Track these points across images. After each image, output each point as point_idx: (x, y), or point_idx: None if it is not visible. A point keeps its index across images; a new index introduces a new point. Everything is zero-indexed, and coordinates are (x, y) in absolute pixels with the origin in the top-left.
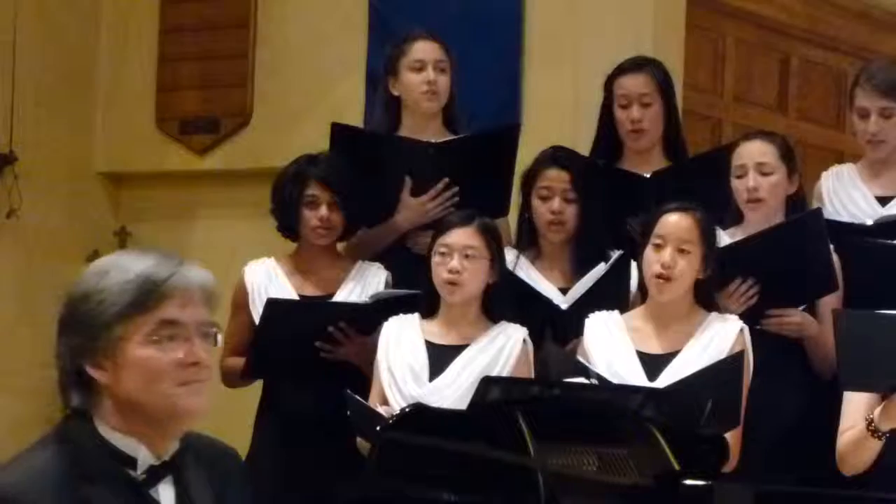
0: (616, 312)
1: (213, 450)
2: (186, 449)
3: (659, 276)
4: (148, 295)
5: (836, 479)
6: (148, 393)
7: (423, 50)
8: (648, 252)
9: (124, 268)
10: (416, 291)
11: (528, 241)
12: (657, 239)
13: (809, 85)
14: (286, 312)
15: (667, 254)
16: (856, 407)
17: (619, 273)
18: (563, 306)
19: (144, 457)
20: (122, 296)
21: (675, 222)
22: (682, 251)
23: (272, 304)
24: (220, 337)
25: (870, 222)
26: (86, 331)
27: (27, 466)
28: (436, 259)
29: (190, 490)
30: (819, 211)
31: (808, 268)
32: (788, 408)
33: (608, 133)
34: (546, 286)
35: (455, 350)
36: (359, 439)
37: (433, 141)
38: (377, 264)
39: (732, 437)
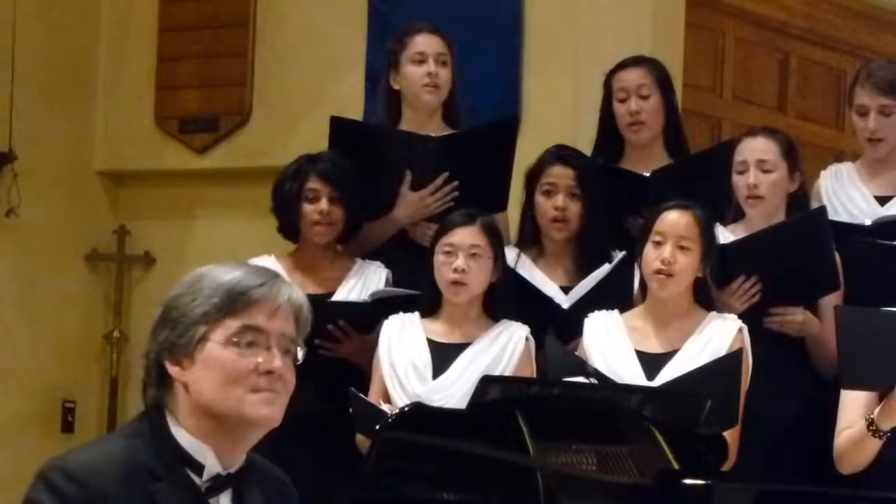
0: (615, 312)
1: (273, 475)
2: (250, 468)
3: (659, 272)
4: (236, 298)
5: (834, 477)
6: (220, 395)
7: (425, 43)
8: (648, 249)
9: (219, 273)
10: (416, 292)
11: (531, 239)
12: (657, 236)
13: (809, 84)
14: None
15: (667, 250)
16: (854, 406)
17: (622, 273)
18: (565, 305)
19: (212, 464)
20: (212, 297)
21: (674, 219)
22: (681, 248)
23: None
24: (301, 354)
25: (868, 222)
26: (173, 327)
27: (99, 452)
28: (440, 258)
29: None
30: (823, 209)
31: (811, 266)
32: (788, 407)
33: (609, 131)
34: (548, 285)
35: (458, 348)
36: (358, 438)
37: (433, 135)
38: (377, 263)
39: (731, 436)
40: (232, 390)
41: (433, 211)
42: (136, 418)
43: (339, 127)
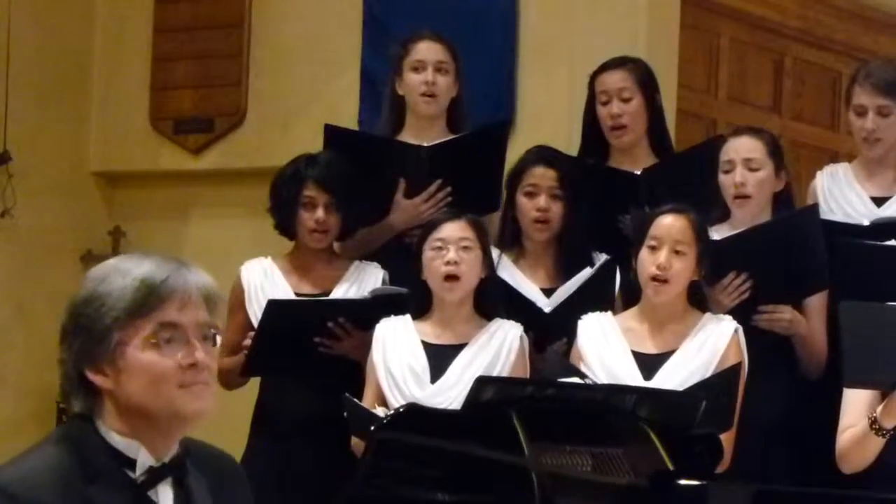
0: (609, 313)
1: (212, 456)
2: (186, 454)
3: (655, 279)
4: (146, 298)
5: (823, 477)
6: (150, 396)
7: (425, 50)
8: (644, 254)
9: (123, 272)
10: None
11: (512, 240)
12: (652, 241)
13: (803, 85)
14: (287, 312)
15: (662, 255)
16: (856, 404)
17: (604, 277)
18: (546, 309)
19: (144, 458)
20: (121, 300)
21: (669, 224)
22: (677, 252)
23: (273, 305)
24: (219, 338)
25: (866, 222)
26: (87, 336)
27: (30, 464)
28: (430, 254)
29: (190, 493)
30: (815, 207)
31: (800, 264)
32: (774, 407)
33: (593, 133)
34: (528, 286)
35: (453, 349)
36: (354, 441)
37: (425, 144)
38: (374, 263)
39: (726, 437)
40: (160, 391)
41: (427, 218)
42: (64, 424)
43: (332, 135)
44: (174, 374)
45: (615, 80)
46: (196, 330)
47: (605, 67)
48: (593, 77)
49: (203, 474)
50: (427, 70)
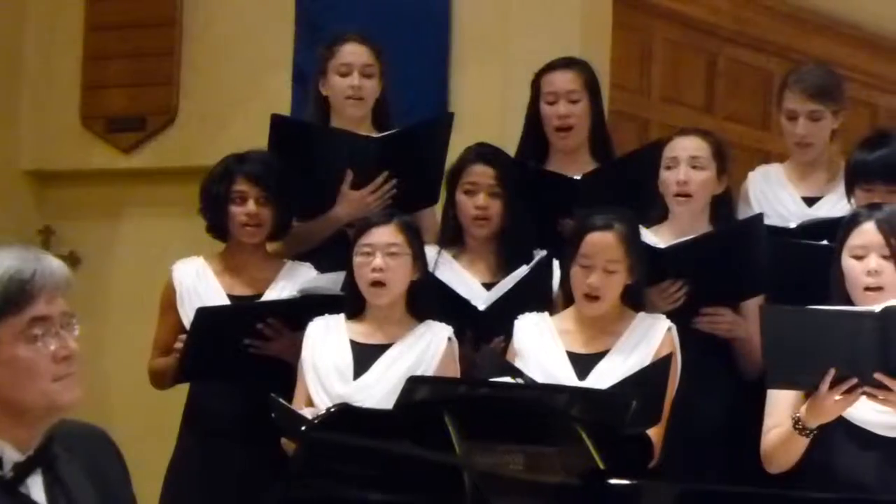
0: (545, 314)
1: (82, 435)
2: (52, 439)
3: (587, 296)
4: (17, 295)
5: (760, 477)
6: (24, 391)
7: (351, 53)
8: (576, 271)
9: None
10: (343, 294)
11: (453, 237)
12: (584, 259)
13: (737, 85)
14: (217, 318)
15: (594, 276)
16: (780, 405)
17: (540, 275)
18: (481, 307)
19: (9, 455)
20: None
21: (598, 243)
22: (608, 271)
23: (202, 313)
24: (77, 326)
25: (793, 224)
26: None
27: None
28: (358, 260)
29: (63, 479)
30: (761, 217)
31: (742, 270)
32: (713, 408)
33: (535, 132)
34: (469, 281)
35: (380, 349)
36: (284, 441)
37: (373, 135)
38: (307, 264)
39: (655, 433)
40: (36, 384)
41: (373, 209)
42: None
43: (279, 124)
44: (48, 366)
45: (564, 80)
46: (60, 320)
47: (553, 67)
48: (538, 76)
49: (74, 455)
50: (353, 74)
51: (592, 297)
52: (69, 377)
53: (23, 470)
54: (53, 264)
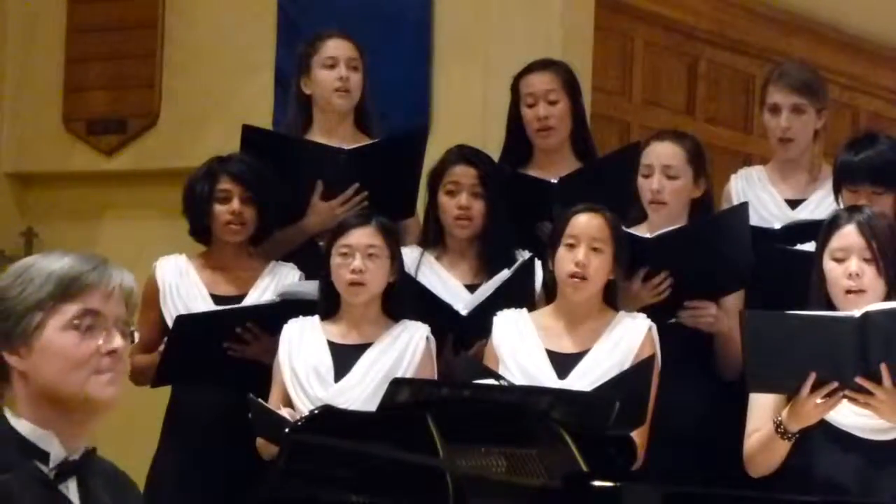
0: (524, 311)
1: (113, 471)
2: (93, 461)
3: (574, 276)
4: (71, 284)
5: (738, 478)
6: (63, 379)
7: (336, 47)
8: (561, 252)
9: (49, 260)
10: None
11: (435, 238)
12: (570, 239)
13: (717, 88)
14: (196, 325)
15: (580, 253)
16: (762, 408)
17: (522, 277)
18: (463, 312)
19: (57, 451)
20: (45, 285)
21: (586, 222)
22: (595, 249)
23: (181, 320)
24: (136, 335)
25: (778, 225)
26: (5, 318)
27: None
28: (336, 261)
29: (92, 494)
30: (745, 206)
31: (725, 263)
32: (690, 408)
33: (517, 135)
34: (451, 283)
35: (358, 349)
36: (259, 442)
37: (345, 147)
38: (290, 264)
39: (639, 435)
40: (76, 373)
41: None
42: None
43: (250, 135)
44: (91, 358)
45: (542, 82)
46: (116, 323)
47: (531, 69)
48: (518, 79)
49: (104, 483)
50: (340, 66)
51: (579, 277)
52: (110, 374)
53: (66, 469)
54: (120, 270)
